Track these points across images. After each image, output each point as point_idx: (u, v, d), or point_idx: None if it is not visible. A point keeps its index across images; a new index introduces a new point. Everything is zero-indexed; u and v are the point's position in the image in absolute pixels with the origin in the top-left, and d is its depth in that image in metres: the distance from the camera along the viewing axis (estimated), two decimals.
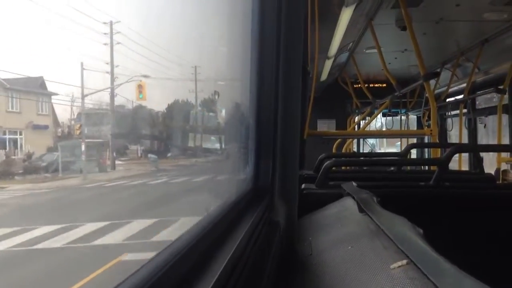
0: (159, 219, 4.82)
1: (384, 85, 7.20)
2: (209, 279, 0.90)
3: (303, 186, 2.72)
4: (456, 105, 7.04)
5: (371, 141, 11.19)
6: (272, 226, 1.63)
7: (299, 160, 2.08)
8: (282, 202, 1.80)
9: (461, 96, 6.84)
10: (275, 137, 1.82)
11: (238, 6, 1.81)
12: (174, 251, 0.91)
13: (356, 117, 9.25)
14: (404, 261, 1.18)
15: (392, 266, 1.20)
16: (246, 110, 1.80)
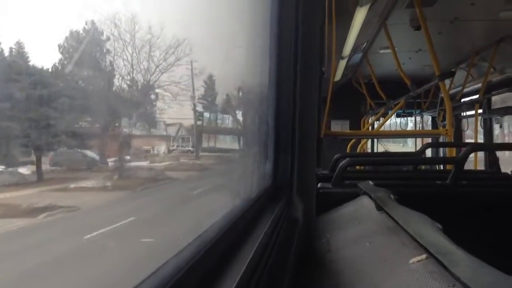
0: None
1: (398, 85, 7.21)
2: (234, 272, 0.91)
3: (319, 185, 2.73)
4: (471, 105, 6.99)
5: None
6: (291, 222, 1.65)
7: (316, 158, 2.10)
8: (300, 199, 1.83)
9: (476, 96, 6.80)
10: (293, 136, 1.85)
11: (257, 7, 1.84)
12: (199, 245, 0.90)
13: (370, 118, 9.23)
14: (424, 256, 1.20)
15: (411, 261, 1.22)
16: (264, 109, 1.83)
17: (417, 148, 7.64)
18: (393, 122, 9.65)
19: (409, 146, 12.91)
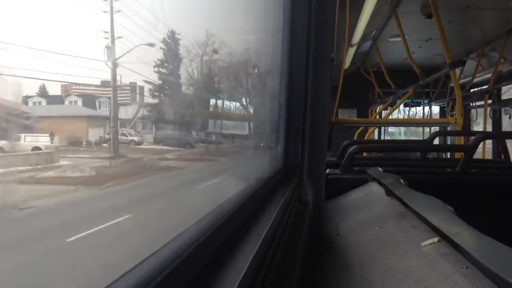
0: None
1: (407, 74, 7.16)
2: (249, 248, 0.91)
3: (327, 171, 2.73)
4: (480, 95, 6.94)
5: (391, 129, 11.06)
6: (302, 204, 1.66)
7: (328, 143, 2.10)
8: (310, 182, 1.83)
9: (486, 87, 6.74)
10: (305, 120, 1.84)
11: None
12: (214, 218, 0.88)
13: (378, 107, 9.18)
14: (436, 239, 1.19)
15: (423, 244, 1.22)
16: (275, 93, 1.82)
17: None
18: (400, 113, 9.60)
19: None
